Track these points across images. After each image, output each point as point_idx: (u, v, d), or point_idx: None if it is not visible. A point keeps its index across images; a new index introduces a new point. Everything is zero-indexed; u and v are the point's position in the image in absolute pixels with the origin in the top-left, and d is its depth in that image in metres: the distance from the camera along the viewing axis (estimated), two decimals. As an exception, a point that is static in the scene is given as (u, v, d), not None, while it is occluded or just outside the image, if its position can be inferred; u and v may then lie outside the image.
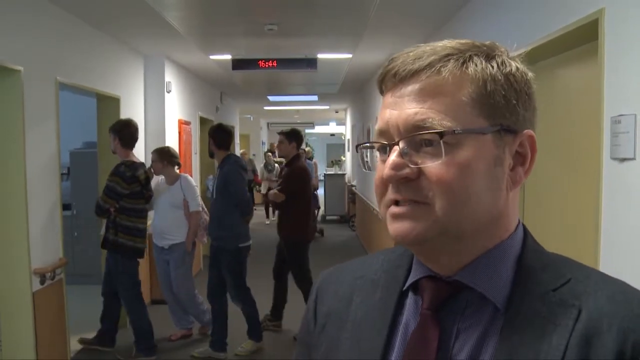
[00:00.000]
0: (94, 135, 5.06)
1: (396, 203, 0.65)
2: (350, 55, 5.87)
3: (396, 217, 0.65)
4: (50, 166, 3.69)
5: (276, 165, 11.37)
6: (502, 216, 0.67)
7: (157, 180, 4.61)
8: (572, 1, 2.19)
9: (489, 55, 0.66)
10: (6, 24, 3.15)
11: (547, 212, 2.57)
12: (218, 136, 4.23)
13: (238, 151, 11.80)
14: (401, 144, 0.64)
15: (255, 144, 16.87)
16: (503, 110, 0.64)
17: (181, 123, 6.35)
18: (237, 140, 11.59)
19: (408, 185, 0.63)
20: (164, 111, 5.81)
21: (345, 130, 15.05)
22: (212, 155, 4.36)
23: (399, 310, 0.71)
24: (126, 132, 4.10)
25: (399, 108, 0.65)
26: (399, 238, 0.65)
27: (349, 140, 12.66)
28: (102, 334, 4.33)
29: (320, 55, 5.59)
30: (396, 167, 0.63)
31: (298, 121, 17.64)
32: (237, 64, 5.54)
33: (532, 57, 2.66)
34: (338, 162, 15.07)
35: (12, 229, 3.27)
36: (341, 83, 8.21)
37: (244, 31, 4.86)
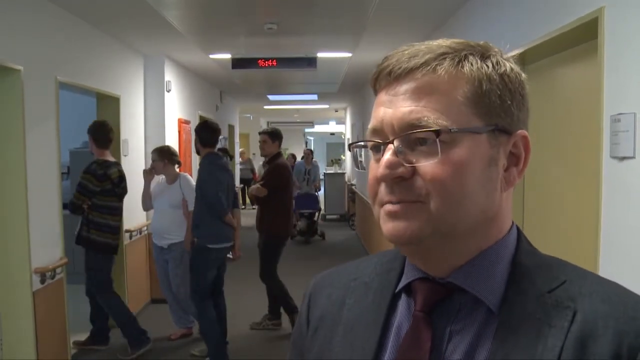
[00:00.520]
0: (94, 135, 5.06)
1: (390, 202, 0.64)
2: (350, 54, 5.87)
3: (390, 216, 0.64)
4: (50, 165, 3.70)
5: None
6: (496, 217, 0.67)
7: (157, 179, 4.62)
8: (571, 0, 2.19)
9: (484, 55, 0.66)
10: (6, 23, 3.15)
11: (546, 211, 2.57)
12: (203, 134, 4.17)
13: (237, 150, 11.81)
14: (396, 143, 0.63)
15: (254, 143, 16.71)
16: (498, 110, 0.64)
17: (181, 122, 6.35)
18: (236, 139, 11.59)
19: (402, 185, 0.63)
20: (164, 110, 5.81)
21: (345, 129, 15.05)
22: (199, 153, 4.33)
23: (391, 313, 0.71)
24: (100, 133, 4.18)
25: (394, 106, 0.64)
26: (393, 238, 0.64)
27: (348, 139, 12.66)
28: (94, 334, 4.37)
29: (320, 54, 5.59)
30: (391, 165, 0.63)
31: (298, 120, 17.64)
32: (237, 63, 5.54)
33: (531, 56, 2.67)
34: (338, 161, 15.08)
35: (12, 228, 3.27)
36: (341, 82, 8.21)
37: (243, 30, 4.86)
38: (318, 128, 20.68)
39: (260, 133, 4.99)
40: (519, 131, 0.66)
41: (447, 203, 0.62)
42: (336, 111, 14.53)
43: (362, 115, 9.15)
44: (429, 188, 0.62)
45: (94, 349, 4.33)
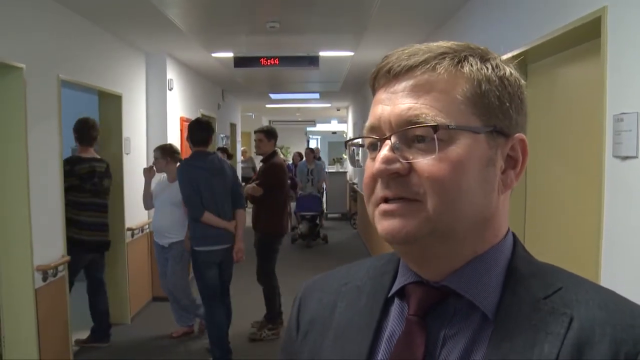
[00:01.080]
0: (96, 133, 5.06)
1: (386, 201, 0.64)
2: (352, 53, 5.87)
3: (386, 214, 0.63)
4: (52, 163, 3.70)
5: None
6: (493, 219, 0.66)
7: (158, 178, 4.62)
8: (572, 0, 2.19)
9: (484, 57, 0.66)
10: (8, 21, 3.16)
11: (548, 210, 2.56)
12: (194, 132, 4.04)
13: (239, 149, 11.81)
14: (393, 139, 0.63)
15: (256, 141, 16.80)
16: (496, 111, 0.64)
17: (183, 120, 6.35)
18: (238, 138, 11.60)
19: (398, 181, 0.62)
20: (166, 108, 5.82)
21: (346, 128, 15.04)
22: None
23: (384, 317, 0.70)
24: (81, 130, 4.20)
25: (392, 104, 0.64)
26: (389, 236, 0.64)
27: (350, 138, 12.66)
28: (94, 331, 4.38)
29: (322, 53, 5.59)
30: (387, 161, 0.62)
31: (299, 119, 17.64)
32: (239, 61, 5.54)
33: (533, 56, 2.66)
34: (340, 160, 15.07)
35: (14, 226, 3.27)
36: (343, 81, 8.21)
37: (245, 29, 4.86)
38: (320, 127, 20.67)
39: (255, 132, 4.92)
40: (517, 134, 0.66)
41: (443, 201, 0.61)
42: (338, 110, 14.53)
43: (363, 114, 9.15)
44: (425, 186, 0.61)
45: (95, 346, 4.34)
